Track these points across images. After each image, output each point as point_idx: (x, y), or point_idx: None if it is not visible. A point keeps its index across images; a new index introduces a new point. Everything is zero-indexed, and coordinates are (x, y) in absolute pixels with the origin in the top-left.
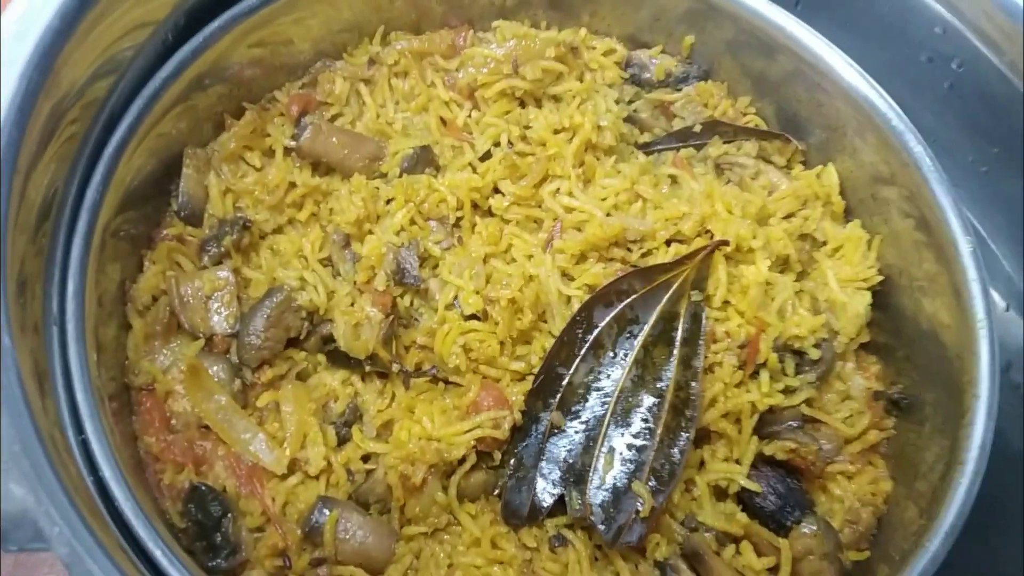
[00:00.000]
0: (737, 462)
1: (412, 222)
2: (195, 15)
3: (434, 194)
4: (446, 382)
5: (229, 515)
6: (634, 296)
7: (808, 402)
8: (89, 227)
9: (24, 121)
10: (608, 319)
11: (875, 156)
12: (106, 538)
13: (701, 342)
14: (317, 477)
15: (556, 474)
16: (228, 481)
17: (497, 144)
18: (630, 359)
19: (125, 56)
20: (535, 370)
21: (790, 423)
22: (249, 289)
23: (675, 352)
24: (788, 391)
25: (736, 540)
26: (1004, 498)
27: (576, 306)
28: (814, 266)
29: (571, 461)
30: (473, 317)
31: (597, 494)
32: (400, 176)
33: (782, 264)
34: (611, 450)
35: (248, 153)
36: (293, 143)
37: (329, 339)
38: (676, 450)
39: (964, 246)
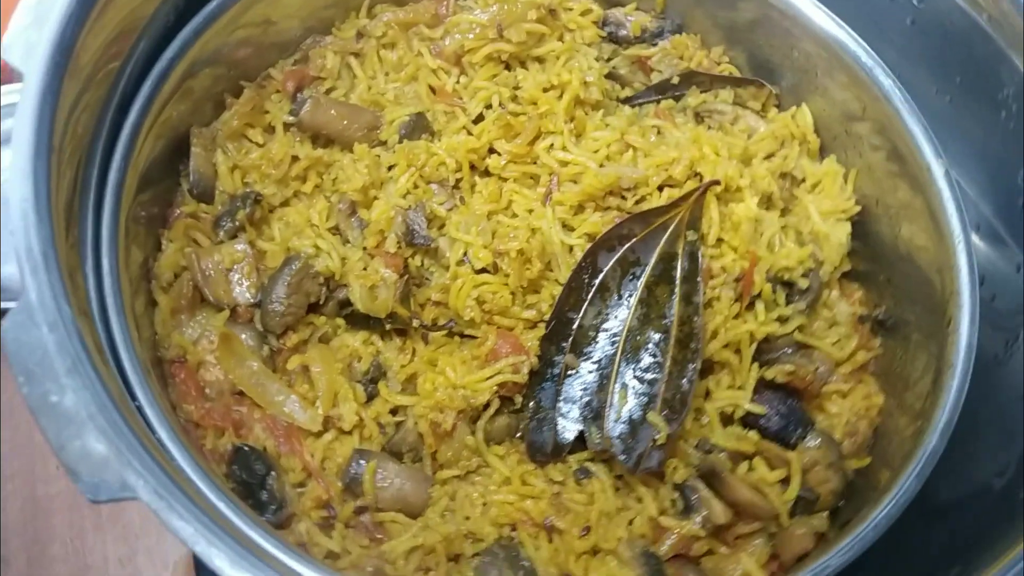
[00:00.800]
0: (740, 388)
1: (415, 186)
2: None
3: (433, 158)
4: (462, 336)
5: (272, 472)
6: (634, 239)
7: (800, 329)
8: (115, 209)
9: (52, 107)
10: (612, 263)
11: (846, 93)
12: (185, 484)
13: (699, 279)
14: (350, 432)
15: (575, 412)
16: (268, 442)
17: (489, 106)
18: (635, 299)
19: (132, 37)
20: (546, 317)
21: (785, 350)
22: (266, 260)
23: (676, 290)
24: (781, 320)
25: (748, 457)
26: (979, 407)
27: (579, 255)
28: (795, 203)
29: (588, 399)
30: (483, 271)
31: (615, 427)
32: (400, 142)
33: (766, 202)
34: (624, 386)
35: (250, 130)
36: (293, 118)
37: (346, 303)
38: (685, 380)
39: (937, 168)
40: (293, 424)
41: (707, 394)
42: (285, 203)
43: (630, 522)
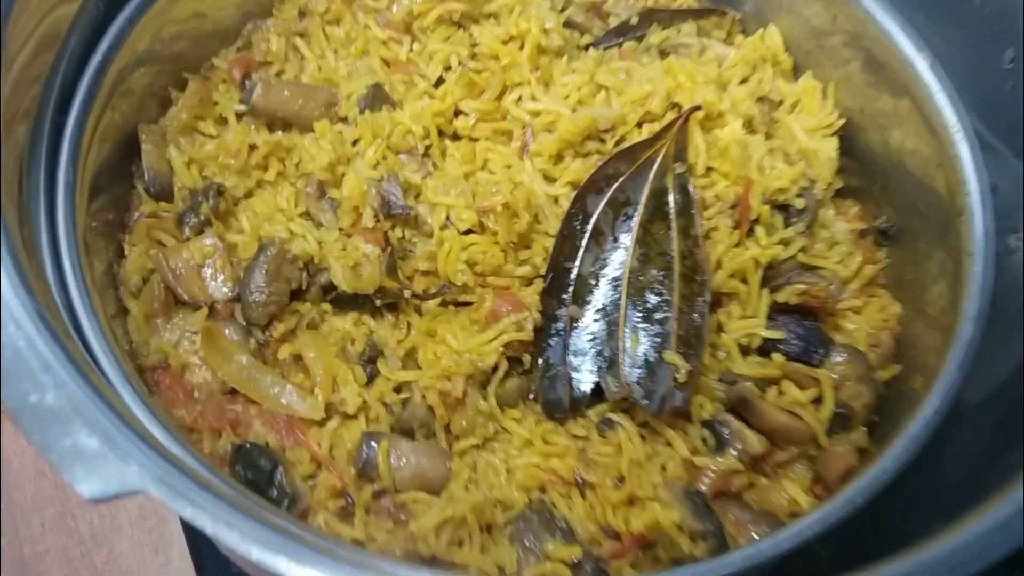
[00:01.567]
0: (753, 317)
1: (384, 157)
2: None
3: (399, 127)
4: (456, 304)
5: (280, 467)
6: (622, 178)
7: (803, 251)
8: (70, 214)
9: None
10: (602, 206)
11: (814, 5)
12: (193, 473)
13: (694, 211)
14: (355, 416)
15: (587, 364)
16: (269, 436)
17: (448, 68)
18: (631, 240)
19: (61, 29)
20: (541, 272)
21: (791, 274)
22: (238, 252)
23: (672, 224)
24: (784, 244)
25: (774, 382)
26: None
27: (565, 205)
28: (777, 126)
29: (598, 348)
30: (469, 232)
31: (632, 372)
32: (361, 114)
33: (748, 127)
34: (634, 329)
35: (201, 123)
36: (244, 106)
37: (329, 287)
38: (697, 315)
39: (921, 63)
40: (294, 415)
41: (719, 328)
42: (249, 194)
43: (663, 467)
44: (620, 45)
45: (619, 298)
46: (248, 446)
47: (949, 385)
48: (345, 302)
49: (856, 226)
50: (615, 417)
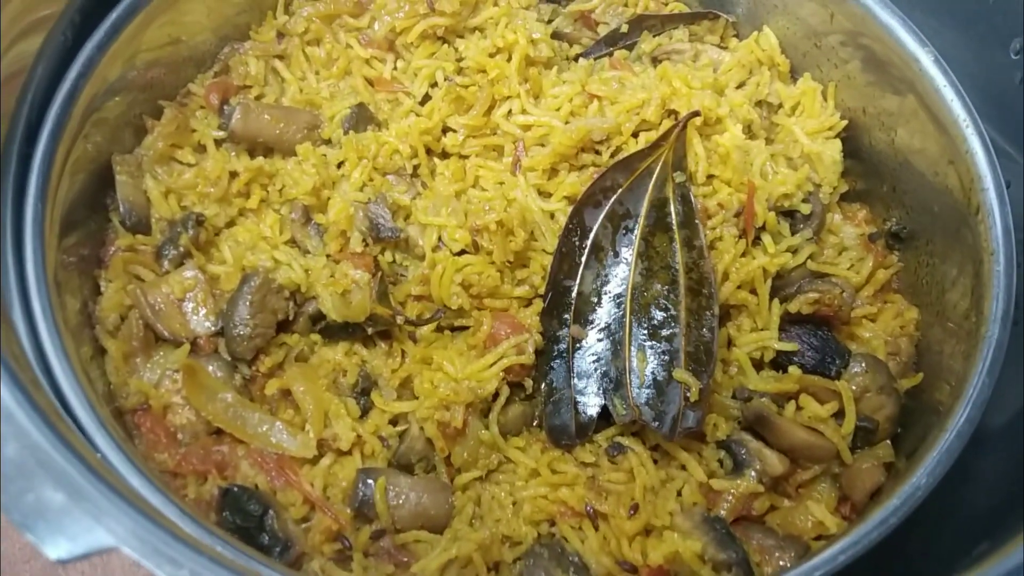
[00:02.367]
0: (765, 329)
1: (370, 179)
2: (90, 11)
3: (384, 147)
4: (452, 328)
5: (270, 510)
6: (620, 190)
7: (811, 258)
8: (39, 251)
9: None
10: (600, 220)
11: (809, 4)
12: (171, 526)
13: (697, 220)
14: (350, 452)
15: (592, 386)
16: (258, 478)
17: (434, 84)
18: (633, 254)
19: (27, 59)
20: (540, 291)
21: (801, 282)
22: (220, 284)
23: (675, 236)
24: (792, 251)
25: (792, 397)
26: None
27: (562, 220)
28: (777, 130)
29: (603, 369)
30: (463, 253)
31: (640, 393)
32: (346, 135)
33: (748, 132)
34: (640, 347)
35: (178, 151)
36: (223, 132)
37: (318, 317)
38: (705, 330)
39: (925, 58)
40: (284, 454)
41: (730, 343)
42: (231, 223)
43: (679, 493)
44: (611, 54)
45: (623, 315)
46: (236, 489)
47: (979, 391)
48: (335, 332)
49: (865, 230)
50: (625, 441)
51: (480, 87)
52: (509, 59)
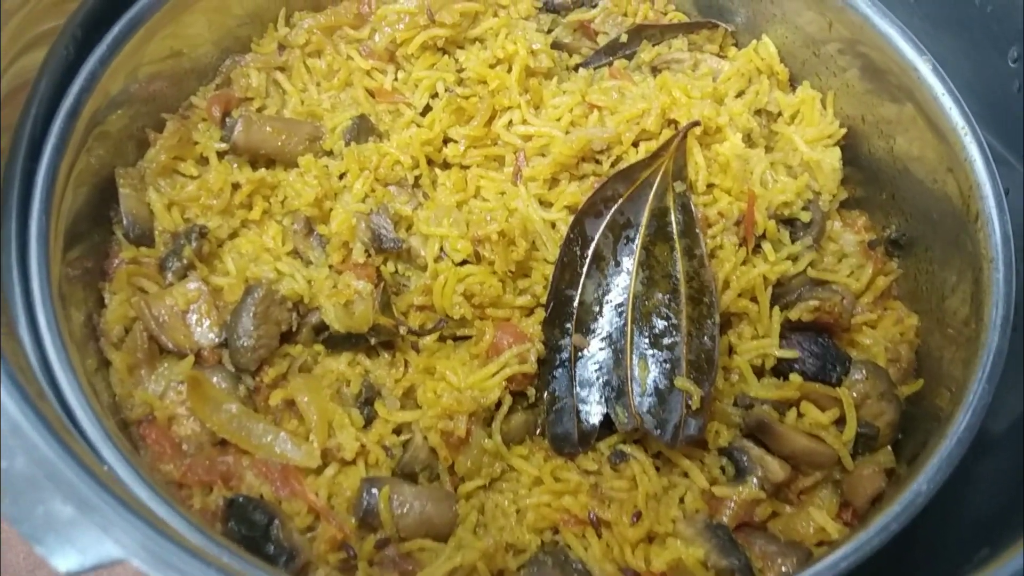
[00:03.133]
0: (765, 336)
1: (372, 190)
2: (92, 25)
3: (386, 158)
4: (455, 338)
5: (276, 520)
6: (621, 200)
7: (811, 266)
8: (44, 265)
9: None
10: (602, 229)
11: (807, 13)
12: (178, 538)
13: (698, 229)
14: (354, 461)
15: (594, 395)
16: (263, 488)
17: (435, 95)
18: (634, 263)
19: (30, 73)
20: (542, 300)
21: (801, 290)
22: (224, 296)
23: (676, 245)
24: (792, 259)
25: (793, 404)
26: None
27: (563, 230)
28: (777, 139)
29: (605, 378)
30: (465, 263)
31: (642, 402)
32: (347, 146)
33: (747, 141)
34: (642, 356)
35: (181, 164)
36: (225, 144)
37: (321, 328)
38: (707, 338)
39: (923, 66)
40: (288, 464)
41: (731, 350)
42: (234, 235)
43: (681, 500)
44: (610, 64)
45: (625, 324)
46: (241, 500)
47: (979, 397)
48: (338, 342)
49: (865, 237)
50: (627, 449)
51: (481, 98)
52: (509, 70)
